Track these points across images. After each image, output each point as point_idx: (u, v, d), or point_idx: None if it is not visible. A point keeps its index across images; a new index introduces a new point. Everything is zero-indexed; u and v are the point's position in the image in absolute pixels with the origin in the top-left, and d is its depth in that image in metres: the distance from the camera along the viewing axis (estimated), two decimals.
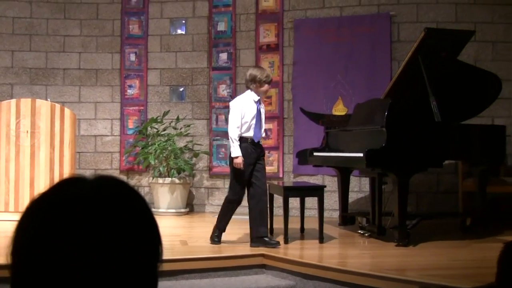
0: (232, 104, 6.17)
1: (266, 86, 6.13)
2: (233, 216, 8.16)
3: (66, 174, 7.60)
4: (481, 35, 8.46)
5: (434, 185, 8.54)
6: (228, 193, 6.24)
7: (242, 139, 6.05)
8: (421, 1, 8.71)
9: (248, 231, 6.58)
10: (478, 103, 7.11)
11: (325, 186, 6.73)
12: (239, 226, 7.85)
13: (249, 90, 6.15)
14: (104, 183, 1.16)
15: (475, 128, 6.75)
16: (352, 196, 8.31)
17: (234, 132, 6.01)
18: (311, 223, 6.76)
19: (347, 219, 7.51)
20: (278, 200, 7.05)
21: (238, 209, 8.67)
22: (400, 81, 6.91)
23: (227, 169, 8.63)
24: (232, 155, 6.01)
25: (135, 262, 1.11)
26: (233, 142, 5.98)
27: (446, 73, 6.75)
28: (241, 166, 5.94)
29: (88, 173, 8.79)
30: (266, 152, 8.56)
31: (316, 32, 8.80)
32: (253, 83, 6.09)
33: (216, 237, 6.26)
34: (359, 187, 8.70)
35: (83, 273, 1.07)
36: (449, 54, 6.79)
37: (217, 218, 6.25)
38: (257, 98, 6.13)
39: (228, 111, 8.56)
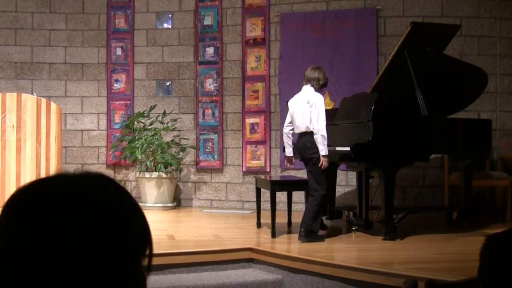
0: (317, 100, 6.08)
1: (324, 89, 6.32)
2: (220, 211, 8.14)
3: (52, 168, 7.59)
4: (466, 29, 8.48)
5: (420, 179, 8.53)
6: (318, 190, 6.08)
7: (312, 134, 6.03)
8: None
9: (236, 225, 6.56)
10: (464, 97, 7.10)
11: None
12: (225, 221, 7.86)
13: (312, 88, 6.18)
14: (90, 179, 1.14)
15: (461, 122, 6.73)
16: (339, 190, 8.31)
17: (325, 131, 6.01)
18: (299, 217, 6.59)
19: (334, 213, 7.46)
20: (265, 194, 7.03)
21: (225, 204, 9.01)
22: (386, 75, 6.88)
23: (214, 163, 8.96)
24: (324, 154, 5.92)
25: (121, 258, 1.10)
26: (324, 140, 5.92)
27: (432, 67, 6.73)
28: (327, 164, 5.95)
29: (74, 167, 9.05)
30: (253, 146, 8.64)
31: (302, 26, 8.75)
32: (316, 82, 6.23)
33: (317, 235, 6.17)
34: (346, 181, 8.68)
35: (66, 269, 1.05)
36: (435, 48, 6.77)
37: (307, 217, 6.06)
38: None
39: (215, 105, 8.95)
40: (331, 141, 6.68)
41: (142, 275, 1.14)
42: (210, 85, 9.24)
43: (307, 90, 6.12)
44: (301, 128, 6.08)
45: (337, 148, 6.42)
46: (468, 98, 7.18)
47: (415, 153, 6.28)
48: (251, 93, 9.08)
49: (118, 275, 1.09)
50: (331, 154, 6.45)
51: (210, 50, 9.24)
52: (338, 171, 7.68)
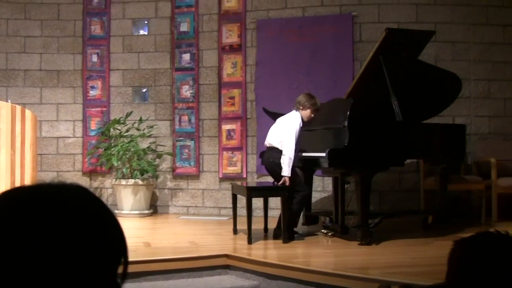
0: (294, 123, 6.40)
1: (309, 111, 6.44)
2: (196, 218, 8.09)
3: (28, 176, 7.47)
4: (441, 35, 8.47)
5: (397, 183, 8.52)
6: (299, 191, 6.44)
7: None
8: (383, 1, 8.68)
9: (212, 231, 6.48)
10: (439, 102, 7.10)
11: (288, 186, 6.50)
12: (202, 227, 7.79)
13: (297, 111, 6.46)
14: (67, 189, 1.14)
15: (436, 127, 6.75)
16: (315, 196, 8.25)
17: (293, 154, 6.31)
18: (275, 223, 6.68)
19: (310, 218, 7.43)
20: (242, 200, 6.97)
21: (201, 210, 8.95)
22: (362, 81, 6.88)
23: (190, 170, 8.91)
24: (286, 174, 6.24)
25: (98, 266, 1.10)
26: (290, 162, 6.22)
27: (407, 72, 6.75)
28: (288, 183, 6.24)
29: (50, 175, 9.06)
30: (230, 152, 8.67)
31: (278, 33, 8.74)
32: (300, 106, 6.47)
33: (295, 234, 6.43)
34: (322, 186, 8.64)
35: (43, 277, 1.05)
36: (410, 54, 6.80)
37: (286, 218, 6.27)
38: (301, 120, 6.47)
39: (192, 112, 8.88)
40: (308, 147, 6.68)
41: (117, 283, 1.14)
42: (186, 91, 9.15)
43: (292, 113, 6.43)
44: (273, 142, 6.38)
45: (313, 154, 6.40)
46: (443, 103, 7.17)
47: (391, 158, 6.27)
48: (228, 99, 9.02)
49: (94, 283, 1.09)
50: (308, 160, 6.45)
51: (186, 57, 9.16)
52: (314, 176, 7.65)
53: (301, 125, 6.39)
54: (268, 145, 6.56)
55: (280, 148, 6.29)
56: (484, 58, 8.67)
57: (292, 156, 6.17)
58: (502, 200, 7.80)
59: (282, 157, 6.18)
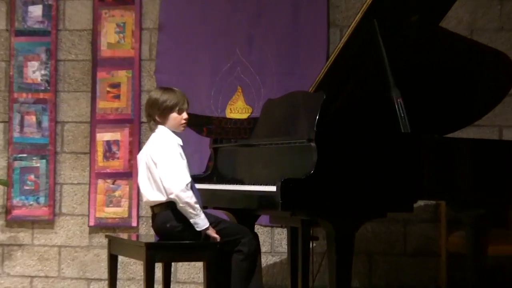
0: (167, 149, 5.20)
1: (175, 116, 5.30)
2: None
3: None
4: None
5: (400, 241, 6.93)
6: (243, 244, 5.32)
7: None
8: None
9: None
10: (473, 102, 5.92)
11: (219, 241, 5.23)
12: None
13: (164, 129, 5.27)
14: None
15: (468, 145, 5.45)
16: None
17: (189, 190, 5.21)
18: None
19: None
20: (129, 266, 6.44)
21: (57, 284, 7.64)
22: (341, 63, 5.56)
23: (38, 212, 7.53)
24: (203, 227, 5.11)
25: None
26: (196, 206, 5.10)
27: (420, 50, 5.54)
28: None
29: None
30: (110, 181, 7.43)
31: None
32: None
33: None
34: (271, 245, 6.98)
35: None
36: (424, 18, 5.57)
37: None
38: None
39: (44, 109, 7.63)
40: (245, 174, 5.79)
41: None
42: (35, 72, 7.23)
43: (157, 134, 5.28)
44: (151, 197, 5.18)
45: (254, 188, 5.24)
46: (481, 104, 5.97)
47: (390, 198, 4.94)
48: (108, 89, 7.21)
49: None
50: (243, 198, 5.35)
51: (36, 11, 7.24)
52: (257, 227, 6.34)
53: (181, 145, 5.24)
54: (149, 205, 5.46)
55: (167, 199, 5.12)
56: None
57: (191, 195, 5.03)
58: None
59: (180, 208, 5.03)
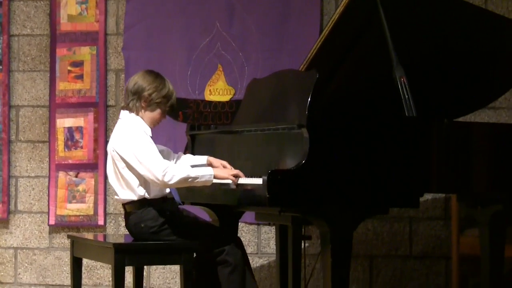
0: (134, 144, 4.82)
1: (158, 112, 4.88)
2: None
3: None
4: None
5: (404, 241, 6.76)
6: (226, 251, 4.93)
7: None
8: None
9: None
10: (488, 81, 5.76)
11: (197, 242, 4.94)
12: None
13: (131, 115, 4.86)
14: None
15: (484, 130, 5.21)
16: None
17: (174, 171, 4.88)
18: None
19: None
20: (96, 271, 6.25)
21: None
22: (337, 37, 5.38)
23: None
24: (207, 178, 4.81)
25: None
26: (187, 175, 4.81)
27: (426, 22, 5.26)
28: None
29: None
30: (72, 174, 7.19)
31: None
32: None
33: None
34: (257, 246, 6.77)
35: None
36: None
37: None
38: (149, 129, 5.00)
39: None
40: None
41: None
42: None
43: (126, 122, 4.84)
44: (123, 195, 4.78)
45: (239, 181, 4.96)
46: (496, 84, 5.81)
47: (393, 191, 4.65)
48: (69, 68, 6.88)
49: None
50: (224, 191, 5.06)
51: None
52: (242, 225, 6.48)
53: (150, 136, 4.86)
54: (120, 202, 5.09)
55: (139, 197, 4.79)
56: None
57: (175, 172, 4.60)
58: None
59: (169, 185, 4.71)
